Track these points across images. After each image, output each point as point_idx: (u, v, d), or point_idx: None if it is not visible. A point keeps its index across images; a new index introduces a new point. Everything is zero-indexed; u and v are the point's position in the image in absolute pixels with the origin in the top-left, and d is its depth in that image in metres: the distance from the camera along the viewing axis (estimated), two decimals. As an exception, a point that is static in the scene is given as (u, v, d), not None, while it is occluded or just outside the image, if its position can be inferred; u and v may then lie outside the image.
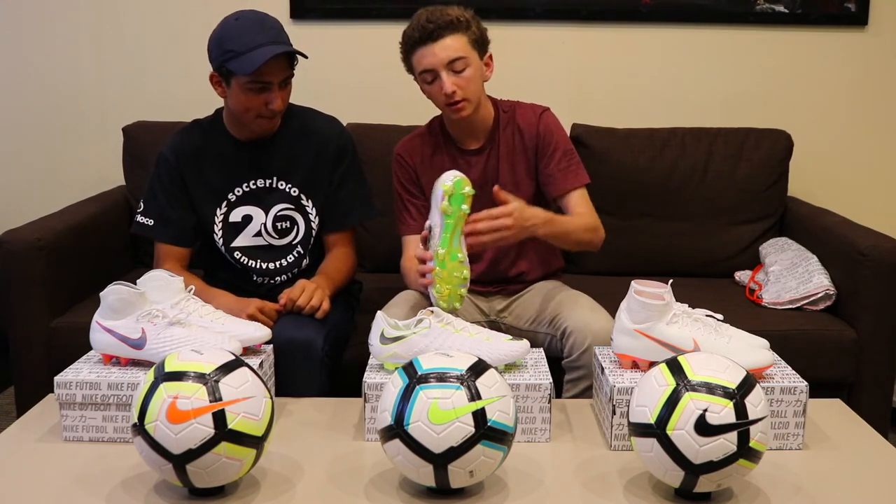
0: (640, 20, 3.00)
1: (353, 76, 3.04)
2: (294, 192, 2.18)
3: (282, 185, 2.17)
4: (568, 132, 2.30)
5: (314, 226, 2.20)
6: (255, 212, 2.18)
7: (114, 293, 1.64)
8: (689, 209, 2.82)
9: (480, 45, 2.10)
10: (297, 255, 2.21)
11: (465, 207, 1.90)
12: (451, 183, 1.89)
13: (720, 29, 3.00)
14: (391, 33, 2.99)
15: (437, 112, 2.27)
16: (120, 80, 3.07)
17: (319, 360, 1.96)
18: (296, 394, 1.86)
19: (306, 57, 2.05)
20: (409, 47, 2.08)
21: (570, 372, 2.02)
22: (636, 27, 3.01)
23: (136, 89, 3.07)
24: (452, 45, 2.04)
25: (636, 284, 1.66)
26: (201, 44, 3.10)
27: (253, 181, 2.17)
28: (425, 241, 1.95)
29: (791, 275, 2.50)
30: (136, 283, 1.71)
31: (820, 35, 3.00)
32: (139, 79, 3.07)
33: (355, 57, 3.04)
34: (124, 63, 3.06)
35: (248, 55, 1.96)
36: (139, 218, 2.18)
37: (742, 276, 2.74)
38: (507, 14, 2.88)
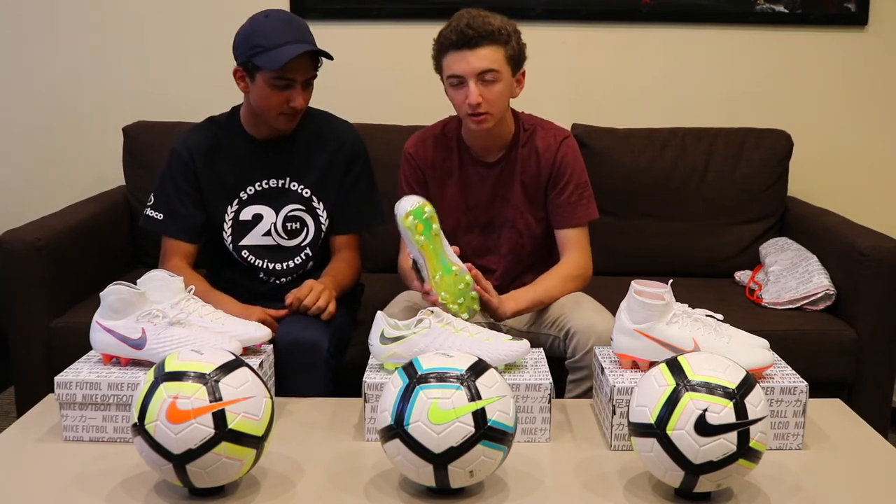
0: (640, 20, 3.00)
1: (354, 76, 3.04)
2: (306, 193, 2.18)
3: (294, 186, 2.17)
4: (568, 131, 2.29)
5: (324, 228, 2.20)
6: (266, 211, 2.18)
7: (114, 293, 1.64)
8: (689, 209, 2.82)
9: (516, 61, 2.05)
10: (304, 256, 2.21)
11: (436, 227, 1.89)
12: (412, 216, 1.86)
13: (720, 29, 3.00)
14: (391, 33, 3.02)
15: (440, 113, 2.25)
16: (120, 80, 3.07)
17: (324, 361, 1.97)
18: (300, 394, 1.86)
19: (331, 58, 2.04)
20: (443, 48, 2.02)
21: (573, 372, 2.01)
22: (636, 27, 3.01)
23: (136, 89, 3.07)
24: (488, 57, 1.98)
25: (636, 284, 1.66)
26: (201, 44, 3.10)
27: (266, 181, 2.17)
28: (415, 270, 1.94)
29: (791, 275, 2.50)
30: (136, 283, 1.71)
31: (820, 35, 3.00)
32: (139, 79, 3.07)
33: (355, 57, 3.03)
34: (124, 63, 3.06)
35: (275, 51, 1.97)
36: (148, 211, 2.18)
37: (742, 276, 2.74)
38: (506, 14, 2.87)
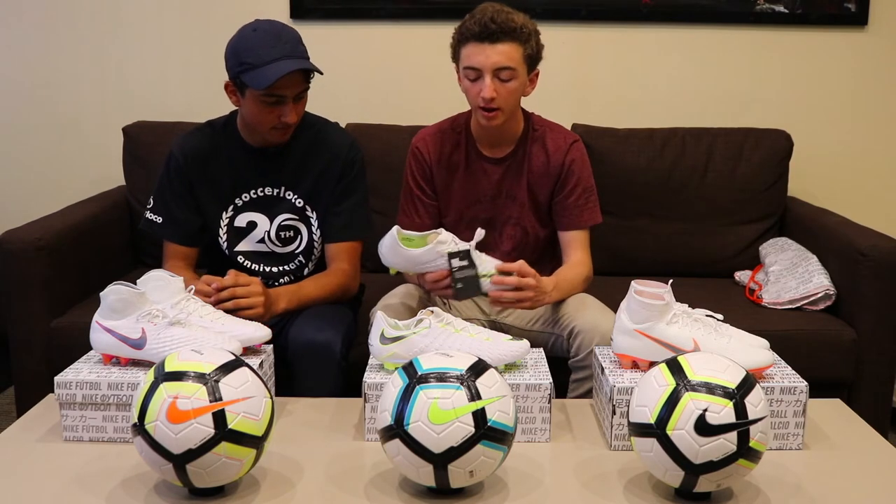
0: (640, 20, 3.00)
1: (353, 76, 3.04)
2: (299, 203, 2.17)
3: (289, 195, 2.17)
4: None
5: (316, 237, 2.20)
6: (260, 219, 2.17)
7: (114, 293, 1.64)
8: (689, 209, 2.82)
9: (533, 60, 2.06)
10: (298, 263, 2.21)
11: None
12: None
13: (720, 29, 3.00)
14: (391, 33, 3.02)
15: (440, 113, 2.25)
16: (120, 80, 3.07)
17: (337, 363, 1.98)
18: (313, 395, 1.87)
19: (321, 73, 2.02)
20: (464, 39, 2.03)
21: (576, 372, 2.01)
22: (636, 27, 3.01)
23: (136, 89, 3.07)
24: (506, 53, 1.99)
25: (636, 284, 1.66)
26: (201, 44, 3.10)
27: (261, 188, 2.16)
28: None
29: (791, 275, 2.50)
30: (136, 283, 1.71)
31: (820, 35, 3.00)
32: (139, 79, 3.07)
33: (355, 57, 3.04)
34: (124, 63, 3.06)
35: (262, 69, 1.94)
36: (148, 214, 2.18)
37: (742, 276, 2.74)
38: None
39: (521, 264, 1.94)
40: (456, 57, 2.08)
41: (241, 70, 1.98)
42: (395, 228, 1.93)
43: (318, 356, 1.96)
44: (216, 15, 3.01)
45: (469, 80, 2.05)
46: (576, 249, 2.17)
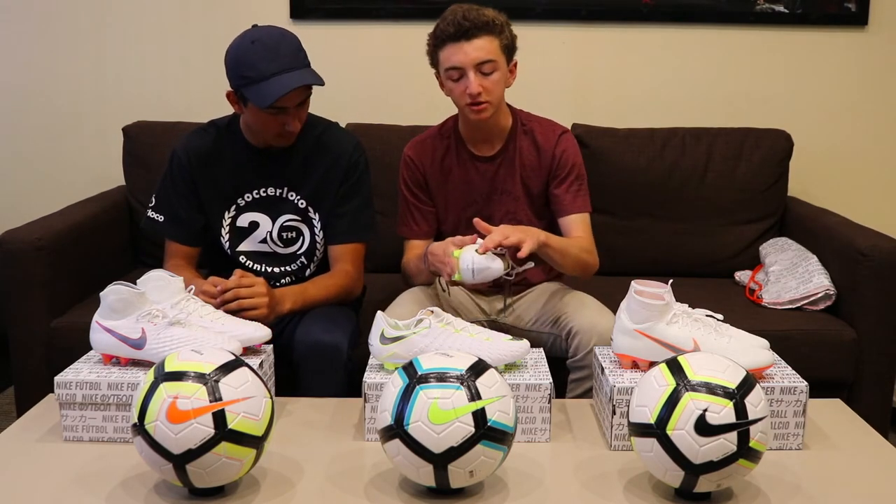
0: (640, 20, 3.00)
1: (354, 76, 3.04)
2: (302, 204, 2.17)
3: (292, 195, 2.16)
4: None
5: (318, 239, 2.20)
6: (263, 219, 2.17)
7: (114, 293, 1.64)
8: (689, 209, 2.82)
9: (509, 51, 2.10)
10: (300, 264, 2.21)
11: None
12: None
13: (720, 29, 3.00)
14: (391, 33, 3.02)
15: (440, 113, 2.26)
16: (120, 80, 3.07)
17: (344, 364, 1.98)
18: (319, 396, 1.87)
19: (322, 84, 1.99)
20: (440, 42, 2.06)
21: (574, 372, 2.02)
22: (636, 27, 3.01)
23: (136, 89, 3.07)
24: (484, 47, 2.03)
25: (636, 284, 1.66)
26: (201, 44, 3.10)
27: (264, 188, 2.16)
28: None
29: (791, 275, 2.50)
30: (136, 283, 1.71)
31: (820, 35, 3.00)
32: (139, 79, 3.07)
33: (355, 57, 3.04)
34: (124, 63, 3.06)
35: (264, 84, 1.93)
36: (150, 213, 2.18)
37: (742, 276, 2.74)
38: (507, 14, 2.88)
39: (500, 230, 1.92)
40: (434, 62, 2.11)
41: (241, 84, 1.98)
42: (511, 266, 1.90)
43: (326, 358, 1.96)
44: (216, 15, 3.01)
45: (452, 80, 2.07)
46: (576, 229, 2.16)
